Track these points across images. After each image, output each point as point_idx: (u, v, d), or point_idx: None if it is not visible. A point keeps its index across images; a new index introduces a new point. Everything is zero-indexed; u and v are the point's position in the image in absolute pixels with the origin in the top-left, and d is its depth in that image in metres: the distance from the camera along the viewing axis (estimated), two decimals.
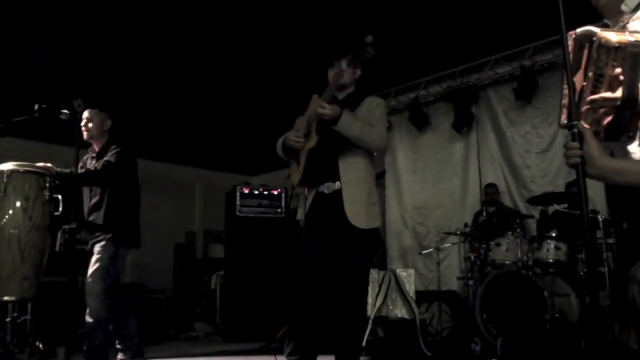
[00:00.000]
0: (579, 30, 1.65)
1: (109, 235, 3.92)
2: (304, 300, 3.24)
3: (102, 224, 3.92)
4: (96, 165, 4.07)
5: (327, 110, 3.10)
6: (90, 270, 3.81)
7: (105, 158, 4.01)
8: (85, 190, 4.11)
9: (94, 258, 3.85)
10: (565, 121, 1.66)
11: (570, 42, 1.66)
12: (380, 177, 6.30)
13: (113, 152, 4.02)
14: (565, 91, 1.65)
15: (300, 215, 3.42)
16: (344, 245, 3.17)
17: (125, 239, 4.04)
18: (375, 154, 3.41)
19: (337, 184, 3.23)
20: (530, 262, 5.25)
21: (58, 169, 3.88)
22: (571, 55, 1.65)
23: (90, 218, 4.01)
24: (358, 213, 3.17)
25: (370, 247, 3.26)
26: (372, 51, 3.00)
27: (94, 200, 4.02)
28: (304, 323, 3.25)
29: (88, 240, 4.01)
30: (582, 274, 5.06)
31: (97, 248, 3.88)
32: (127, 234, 4.06)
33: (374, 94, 3.47)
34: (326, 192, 3.27)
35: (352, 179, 3.23)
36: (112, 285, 3.87)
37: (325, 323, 3.22)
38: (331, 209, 3.21)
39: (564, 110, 1.68)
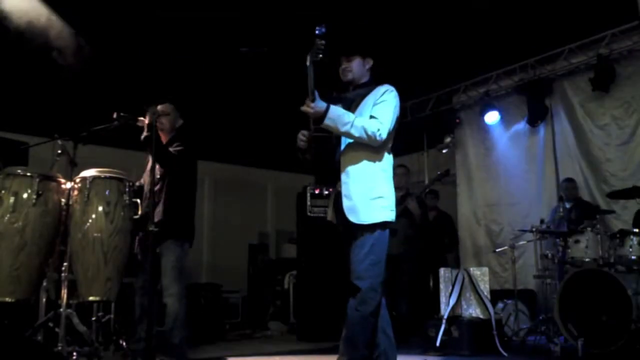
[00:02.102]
0: None
1: (172, 236, 3.96)
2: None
3: (164, 224, 3.90)
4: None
5: (309, 108, 2.99)
6: (164, 273, 3.87)
7: (177, 148, 4.02)
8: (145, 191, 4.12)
9: (163, 260, 3.90)
10: None
11: None
12: (444, 175, 6.19)
13: (178, 147, 4.04)
14: None
15: (328, 215, 3.37)
16: (346, 242, 3.17)
17: (187, 238, 4.10)
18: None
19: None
20: (611, 259, 5.05)
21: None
22: None
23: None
24: (354, 208, 3.08)
25: (372, 242, 3.10)
26: (322, 42, 2.86)
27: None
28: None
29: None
30: None
31: (163, 250, 3.91)
32: (187, 233, 4.12)
33: (384, 83, 3.25)
34: (339, 189, 3.20)
35: (351, 173, 3.13)
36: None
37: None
38: (340, 207, 3.16)
39: None
